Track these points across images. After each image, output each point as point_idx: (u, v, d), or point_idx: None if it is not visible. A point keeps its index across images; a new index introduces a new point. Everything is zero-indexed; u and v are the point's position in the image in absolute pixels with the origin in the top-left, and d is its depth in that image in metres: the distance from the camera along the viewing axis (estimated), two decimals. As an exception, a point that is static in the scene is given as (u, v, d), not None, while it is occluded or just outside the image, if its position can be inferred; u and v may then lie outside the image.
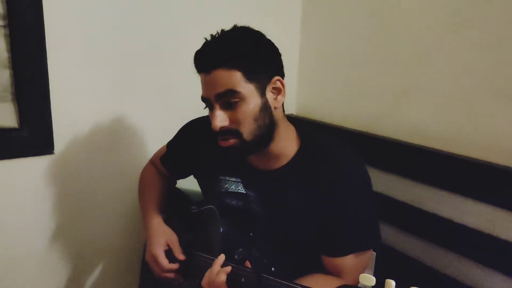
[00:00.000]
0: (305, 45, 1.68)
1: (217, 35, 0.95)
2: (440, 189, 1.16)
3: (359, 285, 0.69)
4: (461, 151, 1.14)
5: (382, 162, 1.30)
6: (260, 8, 1.59)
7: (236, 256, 0.98)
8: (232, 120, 0.93)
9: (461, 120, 1.15)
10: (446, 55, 1.17)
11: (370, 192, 1.00)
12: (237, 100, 0.91)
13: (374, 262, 1.25)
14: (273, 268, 0.97)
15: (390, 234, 1.28)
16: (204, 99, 0.97)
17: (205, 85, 0.95)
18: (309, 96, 1.69)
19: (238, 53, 0.91)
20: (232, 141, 0.94)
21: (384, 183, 1.29)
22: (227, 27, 0.97)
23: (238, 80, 0.91)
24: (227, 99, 0.92)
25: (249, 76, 0.91)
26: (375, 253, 1.24)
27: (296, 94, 1.72)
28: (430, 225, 1.19)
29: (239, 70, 0.91)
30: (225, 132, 0.94)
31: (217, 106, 0.93)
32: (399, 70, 1.30)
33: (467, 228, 1.10)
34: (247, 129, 0.93)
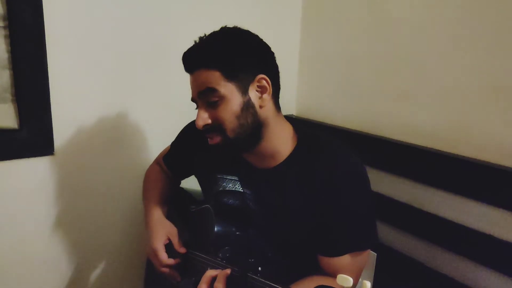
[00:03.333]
0: (305, 46, 1.68)
1: (203, 37, 0.99)
2: (440, 189, 1.16)
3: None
4: (462, 151, 1.14)
5: (382, 163, 1.30)
6: (260, 8, 1.59)
7: (220, 254, 0.99)
8: (214, 118, 0.95)
9: (461, 120, 1.15)
10: (446, 56, 1.17)
11: (368, 190, 1.00)
12: (217, 99, 0.94)
13: (375, 262, 1.25)
14: (260, 268, 0.97)
15: (390, 235, 1.28)
16: (192, 99, 1.01)
17: (191, 85, 0.99)
18: (309, 96, 1.69)
19: (216, 54, 0.94)
20: (216, 138, 0.97)
21: (384, 183, 1.29)
22: (222, 26, 0.99)
23: (216, 79, 0.93)
24: (207, 98, 0.95)
25: (229, 75, 0.93)
26: (375, 254, 1.24)
27: (296, 94, 1.72)
28: (430, 226, 1.19)
29: (218, 70, 0.93)
30: (208, 129, 0.97)
31: (200, 105, 0.97)
32: (399, 70, 1.30)
33: (467, 228, 1.10)
34: (229, 126, 0.95)
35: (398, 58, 1.31)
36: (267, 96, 0.97)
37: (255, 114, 0.96)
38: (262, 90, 0.97)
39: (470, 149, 1.12)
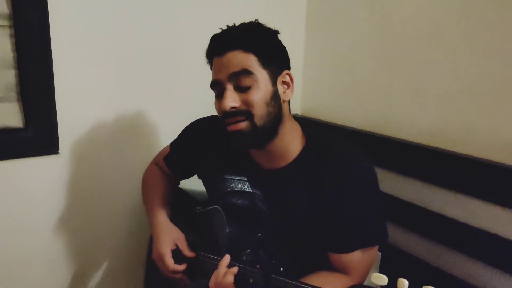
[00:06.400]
0: (310, 45, 1.68)
1: (231, 25, 0.98)
2: (446, 189, 1.16)
3: (369, 285, 0.69)
4: (467, 150, 1.13)
5: (388, 162, 1.30)
6: (265, 7, 1.59)
7: (244, 257, 0.98)
8: (244, 102, 0.93)
9: (466, 119, 1.14)
10: (453, 55, 1.17)
11: (377, 187, 1.00)
12: (250, 84, 0.92)
13: (380, 262, 1.24)
14: (281, 268, 0.96)
15: (395, 234, 1.28)
16: (214, 83, 0.97)
17: (218, 67, 0.95)
18: (314, 95, 1.68)
19: (256, 38, 0.94)
20: (243, 124, 0.93)
21: (390, 183, 1.29)
22: (220, 31, 0.99)
23: (253, 63, 0.92)
24: (240, 81, 0.92)
25: (264, 62, 0.93)
26: (380, 253, 1.24)
27: (301, 93, 1.72)
28: (436, 225, 1.19)
29: (255, 55, 0.92)
30: (236, 113, 0.93)
31: (229, 87, 0.93)
32: (405, 69, 1.30)
33: (473, 228, 1.10)
34: (259, 112, 0.92)
35: (404, 57, 1.30)
36: (289, 92, 0.99)
37: (280, 106, 0.96)
38: (286, 85, 0.98)
39: (477, 149, 1.12)
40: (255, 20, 1.00)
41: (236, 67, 0.92)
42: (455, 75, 1.16)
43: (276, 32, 1.00)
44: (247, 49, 0.92)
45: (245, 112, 0.93)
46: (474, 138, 1.12)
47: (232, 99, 0.92)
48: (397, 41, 1.32)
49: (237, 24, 0.98)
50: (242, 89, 0.92)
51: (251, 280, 0.89)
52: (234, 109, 0.93)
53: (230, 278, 0.90)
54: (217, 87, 0.96)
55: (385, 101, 1.37)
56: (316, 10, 1.64)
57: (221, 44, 0.95)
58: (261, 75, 0.93)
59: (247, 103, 0.92)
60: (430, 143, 1.23)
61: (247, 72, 0.91)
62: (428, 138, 1.23)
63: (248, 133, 0.93)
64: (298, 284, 0.82)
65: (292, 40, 1.65)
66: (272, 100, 0.94)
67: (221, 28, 0.99)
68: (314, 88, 1.68)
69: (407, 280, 0.66)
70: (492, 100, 1.09)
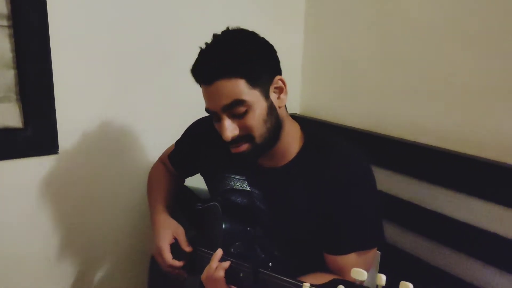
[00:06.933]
0: (309, 44, 1.68)
1: (212, 44, 0.94)
2: (445, 188, 1.15)
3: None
4: (467, 149, 1.13)
5: (386, 161, 1.30)
6: (263, 7, 1.59)
7: (232, 250, 0.99)
8: (242, 127, 0.93)
9: (466, 118, 1.14)
10: (452, 54, 1.16)
11: (375, 190, 1.00)
12: (245, 109, 0.91)
13: (379, 261, 1.24)
14: (270, 263, 0.97)
15: (394, 233, 1.27)
16: (209, 111, 0.96)
17: (209, 97, 0.94)
18: (313, 95, 1.68)
19: (239, 61, 0.90)
20: (244, 146, 0.95)
21: (389, 182, 1.29)
22: (220, 30, 0.95)
23: (242, 89, 0.89)
24: (234, 110, 0.91)
25: (252, 82, 0.90)
26: (379, 252, 1.24)
27: (300, 93, 1.72)
28: (435, 224, 1.18)
29: (242, 78, 0.89)
30: (237, 140, 0.94)
31: (224, 117, 0.92)
32: (404, 68, 1.30)
33: (472, 227, 1.09)
34: (258, 132, 0.93)
35: (403, 56, 1.30)
36: (284, 96, 0.98)
37: (277, 116, 0.96)
38: (279, 90, 0.97)
39: (477, 148, 1.11)
40: (233, 31, 0.95)
41: (227, 99, 0.90)
42: (455, 74, 1.16)
43: (258, 38, 0.96)
44: (233, 75, 0.89)
45: (246, 137, 0.94)
46: (474, 137, 1.12)
47: (231, 128, 0.92)
48: (396, 40, 1.31)
49: (215, 40, 0.93)
50: (238, 116, 0.92)
51: (241, 274, 0.91)
52: (234, 137, 0.94)
53: (220, 273, 0.92)
54: (213, 114, 0.96)
55: (384, 101, 1.37)
56: (314, 9, 1.64)
57: (205, 74, 0.92)
58: (253, 97, 0.91)
59: (245, 129, 0.93)
60: (429, 143, 1.22)
61: (239, 102, 0.90)
62: (427, 137, 1.23)
63: (250, 152, 0.96)
64: (285, 278, 0.84)
65: (291, 40, 1.67)
66: (268, 115, 0.94)
67: (200, 48, 0.94)
68: (313, 87, 1.68)
69: (385, 275, 0.65)
70: (492, 99, 1.08)
